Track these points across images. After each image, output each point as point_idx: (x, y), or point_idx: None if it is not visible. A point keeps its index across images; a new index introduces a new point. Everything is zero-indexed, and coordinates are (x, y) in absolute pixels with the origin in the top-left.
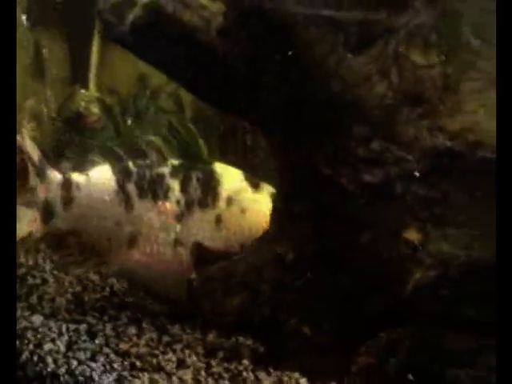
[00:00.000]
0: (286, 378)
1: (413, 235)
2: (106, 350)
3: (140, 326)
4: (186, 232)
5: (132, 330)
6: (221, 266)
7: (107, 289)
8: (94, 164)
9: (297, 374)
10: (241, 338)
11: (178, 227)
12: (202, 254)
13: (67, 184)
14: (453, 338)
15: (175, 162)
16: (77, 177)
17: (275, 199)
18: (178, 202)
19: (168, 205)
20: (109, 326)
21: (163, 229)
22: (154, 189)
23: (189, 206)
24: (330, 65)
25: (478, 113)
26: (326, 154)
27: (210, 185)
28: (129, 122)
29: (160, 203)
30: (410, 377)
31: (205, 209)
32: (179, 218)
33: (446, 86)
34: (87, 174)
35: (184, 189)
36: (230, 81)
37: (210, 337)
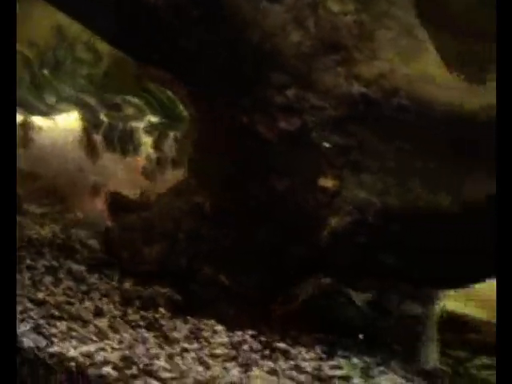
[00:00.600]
0: (202, 326)
1: (329, 182)
2: (23, 298)
3: (57, 276)
4: (154, 189)
5: (49, 279)
6: (139, 215)
7: (25, 238)
8: (61, 110)
9: (213, 322)
10: (158, 287)
11: (146, 183)
12: (119, 203)
13: (26, 125)
14: (367, 283)
15: (153, 118)
16: (40, 120)
17: (193, 149)
18: (149, 159)
19: (138, 160)
20: (26, 276)
21: (129, 183)
22: (124, 142)
23: (161, 163)
24: (246, 13)
25: (394, 60)
26: (244, 103)
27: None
28: (46, 72)
29: (130, 157)
30: (361, 336)
31: (177, 168)
32: (148, 174)
33: (362, 34)
34: (53, 119)
35: (157, 146)
36: (150, 31)
37: (127, 285)
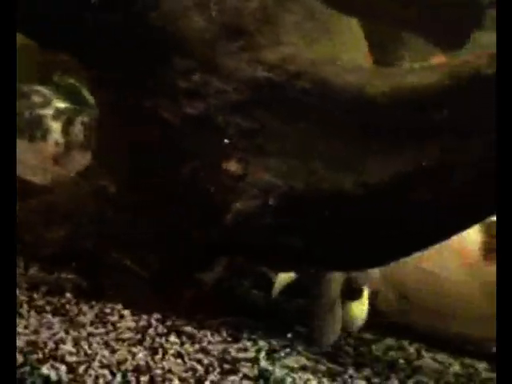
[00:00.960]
0: (109, 310)
1: (233, 166)
2: None
3: None
4: (63, 174)
5: None
6: (42, 198)
7: None
8: None
9: (120, 306)
10: (64, 272)
11: (56, 168)
12: (23, 188)
13: None
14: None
15: (60, 104)
16: None
17: (99, 134)
18: (57, 144)
19: (46, 145)
20: None
21: (39, 169)
22: (32, 129)
23: (69, 149)
24: None
25: (298, 44)
26: (148, 88)
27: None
28: None
29: (38, 143)
30: (289, 335)
31: (86, 152)
32: (57, 159)
33: (266, 18)
34: None
35: (65, 132)
36: (54, 18)
37: (33, 271)
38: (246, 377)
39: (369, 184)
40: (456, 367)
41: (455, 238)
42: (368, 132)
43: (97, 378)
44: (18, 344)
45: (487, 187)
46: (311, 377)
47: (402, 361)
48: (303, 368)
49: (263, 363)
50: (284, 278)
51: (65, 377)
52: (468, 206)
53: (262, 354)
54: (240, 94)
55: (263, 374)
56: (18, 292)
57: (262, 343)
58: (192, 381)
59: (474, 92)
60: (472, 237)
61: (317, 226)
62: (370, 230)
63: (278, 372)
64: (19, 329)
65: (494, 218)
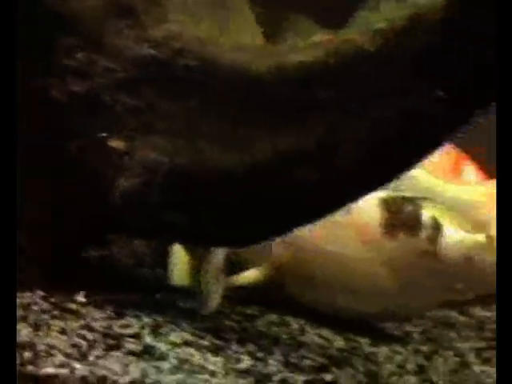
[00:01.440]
0: None
1: (120, 144)
2: None
3: None
4: None
5: None
6: None
7: None
8: None
9: None
10: None
11: None
12: None
13: None
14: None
15: None
16: None
17: None
18: None
19: None
20: None
21: None
22: None
23: None
24: None
25: (184, 22)
26: (37, 67)
27: None
28: None
29: None
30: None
31: None
32: None
33: None
34: None
35: None
36: None
37: None
38: (130, 352)
39: (254, 162)
40: (340, 342)
41: (356, 216)
42: (253, 110)
43: None
44: None
45: (375, 165)
46: (195, 352)
47: (285, 336)
48: (187, 343)
49: (147, 339)
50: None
51: None
52: (354, 184)
53: (147, 330)
54: (126, 72)
55: (147, 350)
56: None
57: (146, 319)
58: (76, 356)
59: (358, 69)
60: (372, 214)
61: (202, 204)
62: (254, 208)
63: (162, 347)
64: None
65: (392, 193)
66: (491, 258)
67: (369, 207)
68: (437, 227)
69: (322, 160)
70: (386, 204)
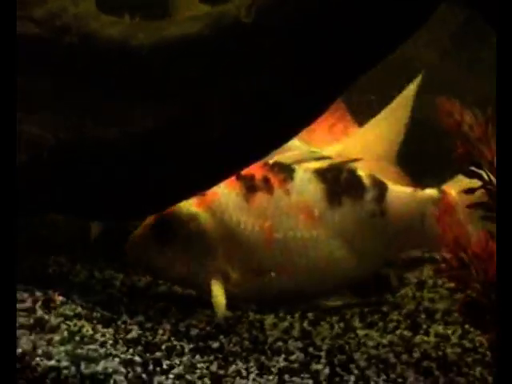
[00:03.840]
0: None
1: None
2: None
3: None
4: None
5: None
6: None
7: None
8: None
9: None
10: None
11: None
12: None
13: None
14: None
15: None
16: None
17: None
18: None
19: None
20: None
21: None
22: None
23: None
24: None
25: (65, 1)
26: None
27: None
28: None
29: None
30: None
31: None
32: None
33: None
34: None
35: None
36: None
37: None
38: (22, 326)
39: (131, 133)
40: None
41: (296, 198)
42: (133, 81)
43: None
44: None
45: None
46: (86, 324)
47: (174, 308)
48: (78, 316)
49: (39, 312)
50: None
51: None
52: (228, 156)
53: (39, 304)
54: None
55: (39, 323)
56: None
57: (38, 293)
58: None
59: (235, 42)
60: (311, 190)
61: (86, 177)
62: (136, 180)
63: (53, 320)
64: None
65: (318, 164)
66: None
67: (305, 185)
68: (380, 186)
69: (193, 132)
70: (321, 176)
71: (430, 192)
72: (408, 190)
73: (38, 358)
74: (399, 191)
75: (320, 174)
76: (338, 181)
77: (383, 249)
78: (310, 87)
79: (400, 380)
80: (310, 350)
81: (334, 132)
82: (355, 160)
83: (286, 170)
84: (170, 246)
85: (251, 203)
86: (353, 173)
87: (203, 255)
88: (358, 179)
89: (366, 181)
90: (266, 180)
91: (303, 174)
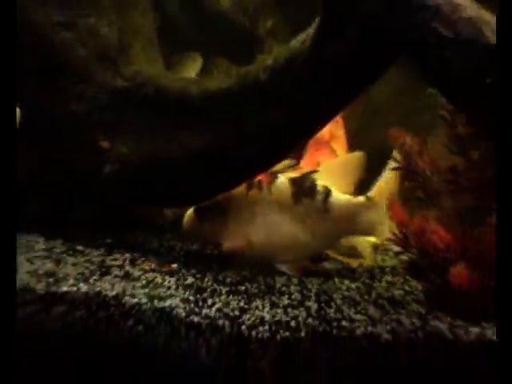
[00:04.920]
0: None
1: (105, 144)
2: None
3: None
4: None
5: None
6: None
7: None
8: None
9: None
10: None
11: None
12: None
13: None
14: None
15: None
16: None
17: None
18: None
19: None
20: None
21: None
22: None
23: None
24: None
25: (142, 63)
26: (44, 92)
27: None
28: None
29: None
30: None
31: None
32: None
33: (121, 47)
34: None
35: None
36: None
37: None
38: (116, 276)
39: (189, 153)
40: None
41: (276, 195)
42: (188, 118)
43: None
44: None
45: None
46: (157, 275)
47: (214, 264)
48: (152, 270)
49: (127, 267)
50: None
51: None
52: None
53: (126, 262)
54: (108, 98)
55: (127, 274)
56: None
57: (126, 255)
58: (82, 279)
59: (254, 90)
60: (285, 190)
61: (157, 182)
62: (188, 181)
63: (136, 273)
64: None
65: (294, 174)
66: (370, 213)
67: (283, 187)
68: (327, 191)
69: (226, 152)
70: (292, 182)
71: (360, 198)
72: (346, 196)
73: (126, 297)
74: (339, 197)
75: (292, 180)
76: (303, 186)
77: (328, 234)
78: (301, 122)
79: (363, 312)
80: (304, 292)
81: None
82: (315, 171)
83: (272, 176)
84: (208, 222)
85: (248, 195)
86: (313, 182)
87: (229, 228)
88: (314, 186)
89: (319, 188)
90: (260, 181)
91: (282, 180)
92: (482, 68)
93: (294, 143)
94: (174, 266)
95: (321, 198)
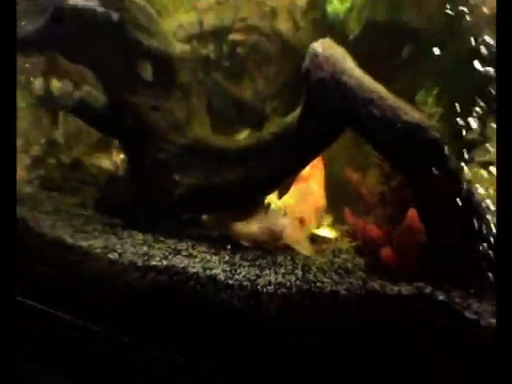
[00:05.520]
0: None
1: (177, 177)
2: None
3: None
4: None
5: None
6: None
7: None
8: None
9: None
10: None
11: None
12: None
13: None
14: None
15: None
16: None
17: None
18: None
19: None
20: None
21: None
22: None
23: None
24: None
25: (198, 129)
26: (145, 148)
27: None
28: None
29: None
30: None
31: None
32: None
33: (186, 121)
34: None
35: None
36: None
37: None
38: (182, 255)
39: (227, 179)
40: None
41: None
42: (226, 161)
43: None
44: None
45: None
46: (205, 254)
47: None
48: (204, 252)
49: (189, 250)
50: None
51: None
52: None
53: (189, 246)
54: (178, 150)
55: (190, 254)
56: None
57: (190, 242)
58: (162, 257)
59: (269, 147)
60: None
61: (208, 199)
62: (239, 199)
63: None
64: None
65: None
66: (282, 218)
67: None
68: (268, 207)
69: (250, 182)
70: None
71: (287, 219)
72: (279, 212)
73: (189, 268)
74: (274, 212)
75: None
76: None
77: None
78: (290, 165)
79: (329, 277)
80: (294, 265)
81: None
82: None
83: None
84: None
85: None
86: (269, 205)
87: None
88: (269, 205)
89: (265, 205)
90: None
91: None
92: (397, 136)
93: (286, 177)
94: (228, 247)
95: (264, 210)
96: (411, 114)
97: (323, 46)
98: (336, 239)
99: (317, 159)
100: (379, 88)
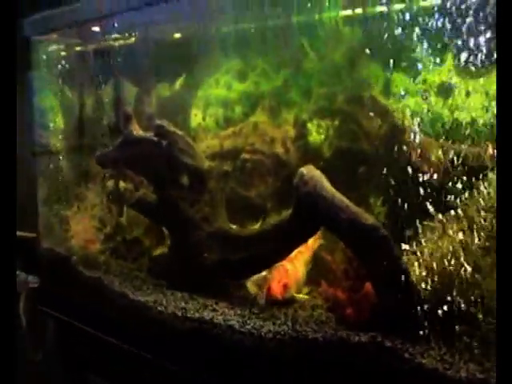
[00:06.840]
0: None
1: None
2: None
3: None
4: None
5: None
6: None
7: None
8: None
9: None
10: None
11: None
12: None
13: None
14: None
15: None
16: None
17: None
18: None
19: None
20: None
21: None
22: None
23: None
24: None
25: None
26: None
27: None
28: None
29: None
30: None
31: None
32: None
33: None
34: None
35: None
36: None
37: None
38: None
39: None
40: None
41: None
42: (238, 246)
43: None
44: None
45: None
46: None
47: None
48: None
49: (207, 312)
50: None
51: None
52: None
53: (208, 305)
54: (206, 235)
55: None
56: None
57: (204, 301)
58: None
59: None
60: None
61: (226, 271)
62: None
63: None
64: None
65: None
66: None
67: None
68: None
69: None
70: None
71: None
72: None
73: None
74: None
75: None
76: None
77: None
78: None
79: (308, 325)
80: (283, 319)
81: None
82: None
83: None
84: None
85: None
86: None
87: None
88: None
89: None
90: None
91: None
92: (358, 233)
93: (278, 259)
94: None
95: None
96: (367, 217)
97: (307, 169)
98: (313, 297)
99: (304, 246)
100: (345, 199)
